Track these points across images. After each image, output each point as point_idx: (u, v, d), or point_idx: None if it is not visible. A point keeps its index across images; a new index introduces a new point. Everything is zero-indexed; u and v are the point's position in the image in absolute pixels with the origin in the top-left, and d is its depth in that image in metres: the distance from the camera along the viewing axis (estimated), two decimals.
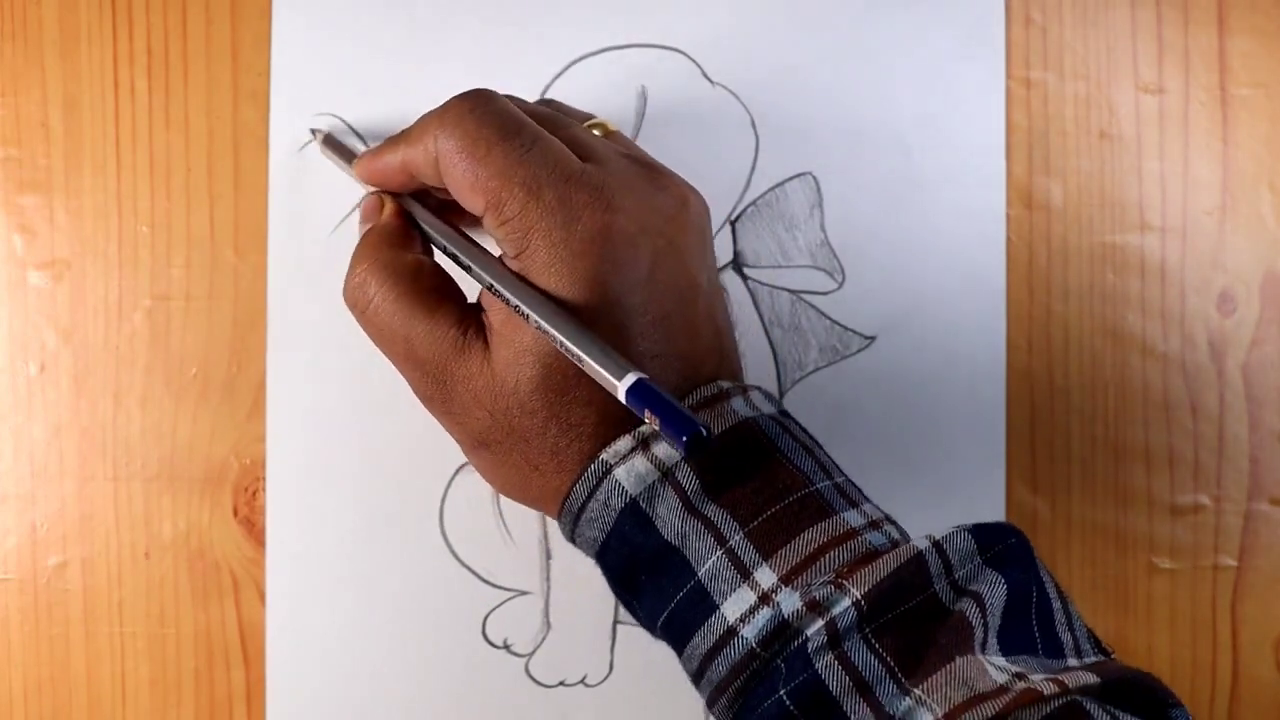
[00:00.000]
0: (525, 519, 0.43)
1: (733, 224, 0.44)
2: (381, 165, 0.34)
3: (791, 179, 0.44)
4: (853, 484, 0.33)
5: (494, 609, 0.43)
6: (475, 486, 0.43)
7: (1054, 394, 0.44)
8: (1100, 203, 0.44)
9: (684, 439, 0.26)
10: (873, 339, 0.44)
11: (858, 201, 0.44)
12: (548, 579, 0.43)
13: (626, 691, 0.43)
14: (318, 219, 0.43)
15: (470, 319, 0.33)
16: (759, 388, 0.34)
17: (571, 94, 0.43)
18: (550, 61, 0.43)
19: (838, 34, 0.44)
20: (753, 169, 0.44)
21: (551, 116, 0.34)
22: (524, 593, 0.43)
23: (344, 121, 0.43)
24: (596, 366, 0.28)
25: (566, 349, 0.29)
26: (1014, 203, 0.44)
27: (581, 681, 0.43)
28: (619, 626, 0.43)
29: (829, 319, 0.44)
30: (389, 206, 0.35)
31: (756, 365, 0.44)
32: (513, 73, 0.43)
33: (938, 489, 0.44)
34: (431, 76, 0.43)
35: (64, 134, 0.43)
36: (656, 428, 0.27)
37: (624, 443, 0.31)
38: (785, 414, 0.34)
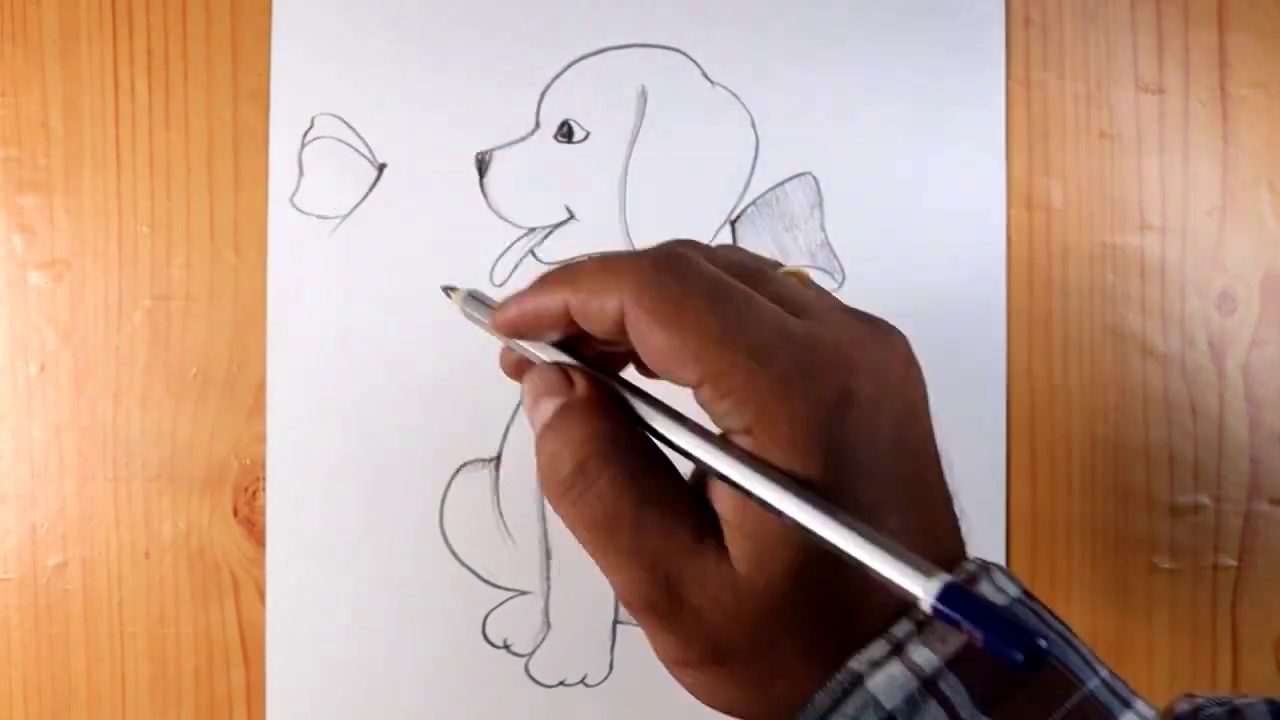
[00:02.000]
0: (525, 519, 0.43)
1: (733, 224, 0.44)
2: (539, 308, 0.29)
3: (791, 179, 0.44)
4: (1116, 676, 0.29)
5: (494, 609, 0.43)
6: (475, 486, 0.43)
7: (1054, 393, 0.44)
8: (1100, 202, 0.44)
9: (1021, 658, 0.21)
10: None
11: (858, 201, 0.44)
12: (548, 579, 0.43)
13: (626, 691, 0.43)
14: (318, 219, 0.43)
15: (701, 508, 0.28)
16: (998, 565, 0.29)
17: (572, 94, 0.43)
18: (550, 61, 0.43)
19: (838, 34, 0.44)
20: (753, 169, 0.44)
21: (751, 268, 0.29)
22: (524, 593, 0.43)
23: (344, 121, 0.43)
24: (888, 570, 0.24)
25: (841, 549, 0.25)
26: (1014, 202, 0.44)
27: (581, 681, 0.43)
28: (619, 626, 0.43)
29: None
30: (581, 379, 0.30)
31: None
32: (513, 72, 0.43)
33: None
34: (431, 76, 0.43)
35: (64, 134, 0.43)
36: (971, 638, 0.23)
37: (878, 648, 0.27)
38: (1030, 594, 0.29)
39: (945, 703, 0.26)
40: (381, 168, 0.43)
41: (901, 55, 0.44)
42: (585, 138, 0.43)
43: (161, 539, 0.43)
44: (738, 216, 0.44)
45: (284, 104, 0.43)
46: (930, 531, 0.28)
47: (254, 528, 0.43)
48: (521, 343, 0.31)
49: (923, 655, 0.26)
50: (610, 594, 0.43)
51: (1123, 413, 0.44)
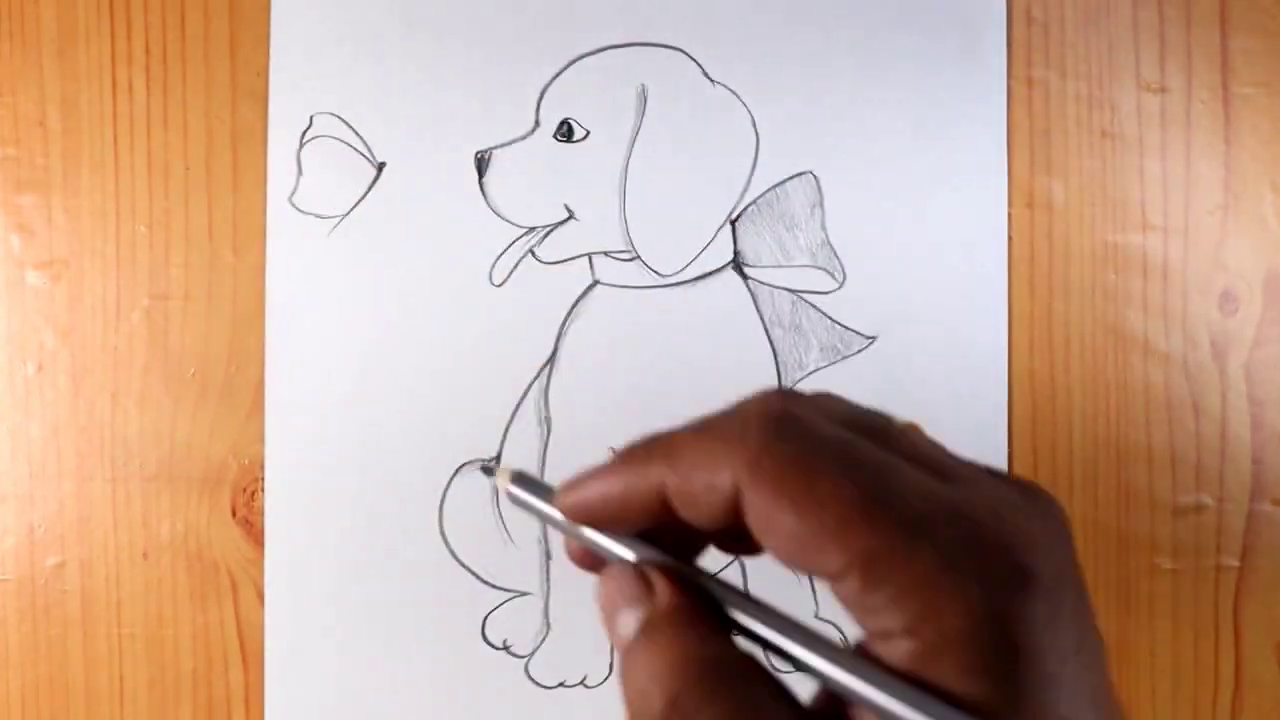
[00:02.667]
0: (525, 519, 0.43)
1: (733, 223, 0.44)
2: (620, 492, 0.25)
3: (792, 178, 0.44)
4: None
5: (494, 609, 0.43)
6: (475, 486, 0.43)
7: (1056, 393, 0.44)
8: (1102, 202, 0.44)
9: None
10: (873, 339, 0.44)
11: (859, 201, 0.44)
12: (547, 580, 0.43)
13: None
14: (317, 219, 0.43)
15: None
16: None
17: (571, 94, 0.43)
18: (550, 60, 0.43)
19: (838, 33, 0.44)
20: (753, 168, 0.44)
21: (876, 427, 0.25)
22: (524, 593, 0.43)
23: (343, 120, 0.43)
24: None
25: None
26: (1016, 202, 0.44)
27: (581, 682, 0.43)
28: None
29: (830, 319, 0.44)
30: (663, 583, 0.24)
31: (757, 365, 0.43)
32: (512, 71, 0.43)
33: None
34: (430, 76, 0.43)
35: (62, 133, 0.43)
36: None
37: None
38: None
39: None
40: (381, 167, 0.43)
41: (903, 54, 0.44)
42: (585, 137, 0.43)
43: (160, 539, 0.43)
44: (738, 216, 0.44)
45: (282, 103, 0.43)
46: None
47: (252, 528, 0.43)
48: (589, 532, 0.26)
49: None
50: None
51: (1124, 413, 0.44)
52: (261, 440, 0.43)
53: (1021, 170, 0.44)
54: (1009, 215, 0.44)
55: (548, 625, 0.43)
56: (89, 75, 0.43)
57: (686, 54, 0.44)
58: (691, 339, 0.43)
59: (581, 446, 0.43)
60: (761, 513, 0.22)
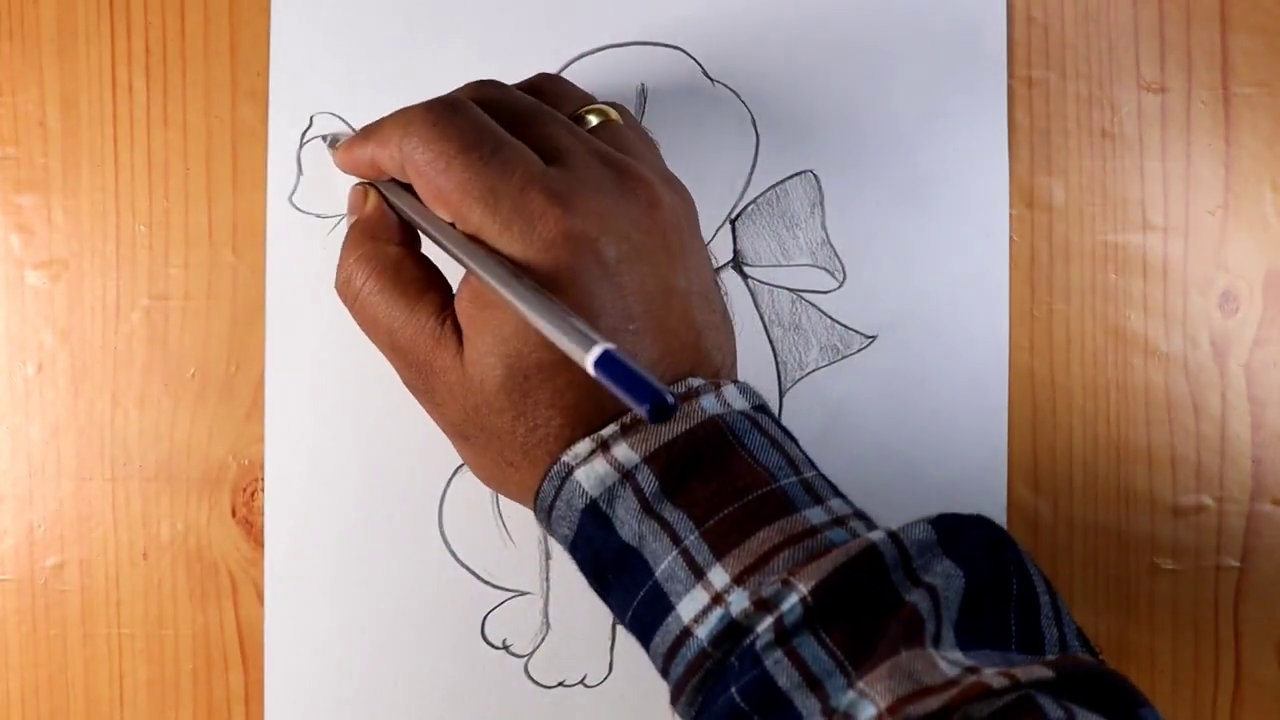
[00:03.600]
0: (525, 519, 0.43)
1: (733, 223, 0.44)
2: (355, 158, 0.35)
3: (792, 177, 0.44)
4: (824, 479, 0.33)
5: (493, 609, 0.43)
6: (475, 486, 0.43)
7: (1056, 394, 0.44)
8: (1102, 202, 0.44)
9: (647, 407, 0.25)
10: (873, 338, 0.44)
11: (859, 200, 0.44)
12: (547, 579, 0.43)
13: (626, 692, 0.43)
14: (317, 219, 0.43)
15: (449, 311, 0.33)
16: (736, 382, 0.34)
17: None
18: (550, 60, 0.43)
19: (839, 31, 0.44)
20: (753, 167, 0.44)
21: (527, 112, 0.34)
22: (524, 593, 0.43)
23: (343, 120, 0.43)
24: (563, 338, 0.27)
25: (534, 321, 0.28)
26: (1016, 202, 0.44)
27: (581, 682, 0.43)
28: (619, 627, 0.43)
29: (829, 318, 0.44)
30: (372, 198, 0.35)
31: (756, 365, 0.43)
32: (513, 72, 0.43)
33: (938, 489, 0.43)
34: (431, 76, 0.43)
35: (62, 133, 0.43)
36: (623, 398, 0.27)
37: (584, 445, 0.31)
38: (761, 409, 0.33)
39: (638, 492, 0.31)
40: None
41: (903, 54, 0.44)
42: None
43: (159, 539, 0.43)
44: (738, 215, 0.44)
45: (283, 103, 0.43)
46: (656, 361, 0.32)
47: (252, 528, 0.43)
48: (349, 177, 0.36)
49: (623, 452, 0.31)
50: None
51: (1124, 413, 0.44)
52: (261, 440, 0.43)
53: (1021, 170, 0.44)
54: (1009, 215, 0.44)
55: (548, 625, 0.43)
56: (89, 75, 0.43)
57: (686, 54, 0.43)
58: None
59: None
60: (411, 175, 0.32)
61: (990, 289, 0.44)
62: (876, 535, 0.30)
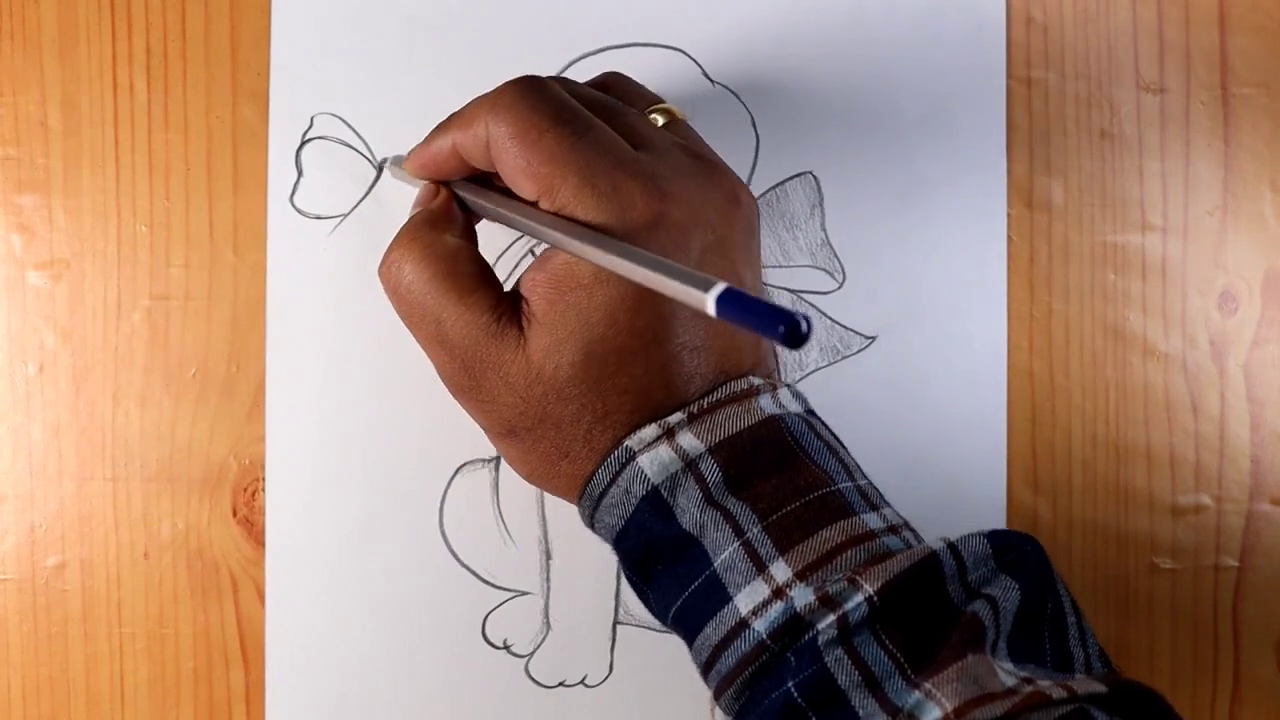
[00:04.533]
0: (525, 519, 0.43)
1: None
2: (433, 152, 0.34)
3: (792, 178, 0.44)
4: (875, 488, 0.33)
5: (494, 609, 0.43)
6: (475, 486, 0.43)
7: (1055, 394, 0.44)
8: (1101, 202, 0.44)
9: (782, 330, 0.24)
10: (873, 339, 0.44)
11: (858, 201, 0.44)
12: (548, 579, 0.43)
13: (626, 692, 0.43)
14: (317, 219, 0.43)
15: (505, 305, 0.32)
16: (790, 386, 0.34)
17: None
18: (550, 60, 0.43)
19: (838, 33, 0.44)
20: (753, 168, 0.44)
21: (608, 104, 0.34)
22: (524, 593, 0.43)
23: (343, 121, 0.43)
24: (679, 284, 0.26)
25: (644, 276, 0.28)
26: (1015, 202, 0.44)
27: (581, 682, 0.43)
28: (619, 627, 0.43)
29: (829, 319, 0.44)
30: (442, 192, 0.35)
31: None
32: (512, 71, 0.43)
33: (938, 489, 0.44)
34: (431, 76, 0.43)
35: (63, 133, 0.43)
36: (752, 330, 0.26)
37: (650, 430, 0.31)
38: (812, 413, 0.34)
39: (701, 481, 0.31)
40: (381, 166, 0.43)
41: (902, 54, 0.44)
42: None
43: (160, 539, 0.43)
44: None
45: (283, 103, 0.43)
46: (724, 353, 0.32)
47: (253, 528, 0.43)
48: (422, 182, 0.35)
49: (688, 441, 0.31)
50: (610, 594, 0.43)
51: (1123, 413, 0.44)
52: (262, 440, 0.43)
53: (1021, 170, 0.44)
54: (1008, 215, 0.44)
55: (548, 625, 0.43)
56: (89, 75, 0.43)
57: (686, 54, 0.44)
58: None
59: None
60: (496, 154, 0.31)
61: (989, 289, 0.44)
62: (937, 545, 0.30)
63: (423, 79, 0.43)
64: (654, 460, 0.31)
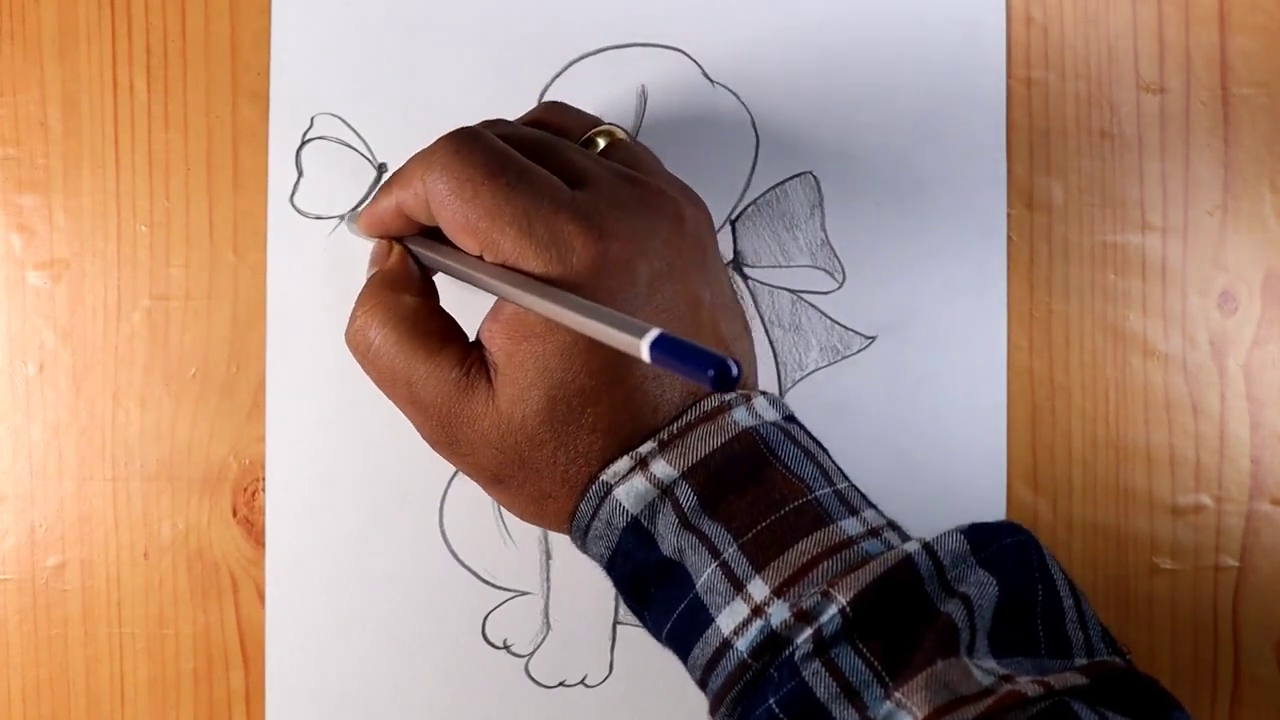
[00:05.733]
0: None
1: (733, 223, 0.44)
2: (379, 212, 0.34)
3: (792, 178, 0.44)
4: (856, 490, 0.33)
5: (494, 609, 0.43)
6: (475, 487, 0.43)
7: (1055, 394, 0.44)
8: (1101, 202, 0.44)
9: (711, 374, 0.25)
10: (873, 339, 0.44)
11: (858, 201, 0.44)
12: (548, 579, 0.43)
13: (626, 692, 0.43)
14: (317, 219, 0.43)
15: (472, 358, 0.32)
16: (765, 393, 0.34)
17: (571, 94, 0.43)
18: (550, 61, 0.43)
19: (838, 33, 0.44)
20: (753, 168, 0.44)
21: (542, 142, 0.34)
22: (524, 593, 0.43)
23: (344, 120, 0.43)
24: (616, 333, 0.27)
25: (584, 325, 0.28)
26: (1015, 202, 0.44)
27: (581, 682, 0.43)
28: (619, 627, 0.43)
29: (829, 319, 0.44)
30: (395, 250, 0.35)
31: (756, 365, 0.44)
32: (512, 71, 0.43)
33: (938, 489, 0.44)
34: (431, 76, 0.43)
35: (63, 133, 0.43)
36: (685, 375, 0.26)
37: (623, 463, 0.31)
38: (790, 419, 0.34)
39: (677, 507, 0.31)
40: (381, 167, 0.43)
41: (902, 55, 0.44)
42: None
43: (160, 539, 0.43)
44: (738, 216, 0.44)
45: (283, 103, 0.43)
46: None
47: (253, 528, 0.43)
48: (406, 243, 0.35)
49: (661, 468, 0.31)
50: (610, 594, 0.43)
51: (1123, 413, 0.44)
52: (262, 440, 0.43)
53: (1021, 170, 0.44)
54: (1008, 215, 0.44)
55: (548, 625, 0.43)
56: (89, 75, 0.43)
57: (686, 54, 0.44)
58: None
59: None
60: (436, 210, 0.32)
61: (989, 289, 0.44)
62: (911, 547, 0.30)
63: (423, 79, 0.43)
64: (630, 492, 0.31)
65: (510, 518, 0.43)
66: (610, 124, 0.37)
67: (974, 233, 0.44)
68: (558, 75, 0.43)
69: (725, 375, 0.25)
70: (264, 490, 0.43)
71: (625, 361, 0.31)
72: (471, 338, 0.34)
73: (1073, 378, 0.44)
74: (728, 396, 0.32)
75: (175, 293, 0.43)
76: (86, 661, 0.43)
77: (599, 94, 0.43)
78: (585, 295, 0.30)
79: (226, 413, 0.43)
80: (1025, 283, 0.44)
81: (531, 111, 0.38)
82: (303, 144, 0.43)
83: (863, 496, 0.33)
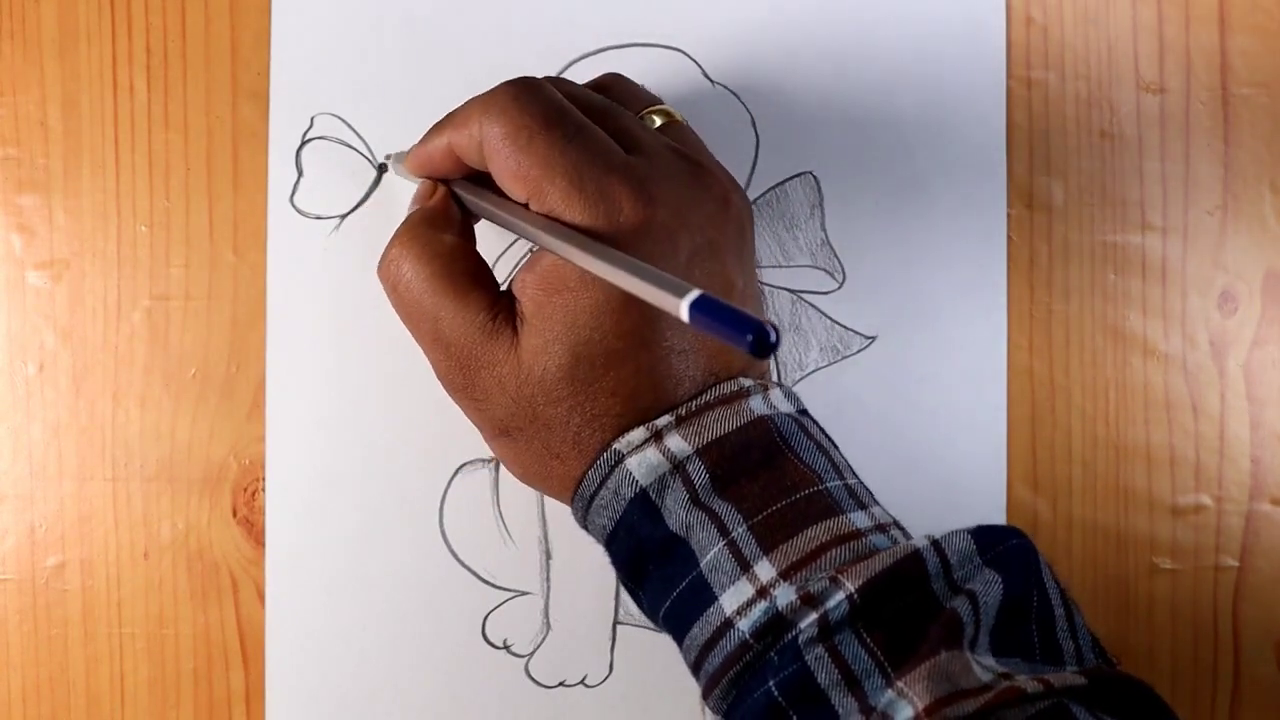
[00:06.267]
0: (525, 519, 0.43)
1: None
2: (429, 151, 0.34)
3: (792, 178, 0.44)
4: (865, 487, 0.34)
5: (494, 609, 0.43)
6: (475, 486, 0.43)
7: (1055, 394, 0.44)
8: (1101, 202, 0.44)
9: (749, 338, 0.24)
10: (873, 339, 0.44)
11: (858, 201, 0.44)
12: (548, 579, 0.43)
13: (626, 692, 0.43)
14: (317, 219, 0.43)
15: (501, 305, 0.32)
16: (781, 385, 0.34)
17: None
18: (550, 61, 0.43)
19: (838, 33, 0.44)
20: (753, 168, 0.44)
21: (601, 106, 0.34)
22: (524, 593, 0.43)
23: (344, 120, 0.43)
24: (655, 289, 0.27)
25: (623, 280, 0.28)
26: (1015, 202, 0.44)
27: (581, 682, 0.43)
28: (619, 627, 0.43)
29: (829, 319, 0.44)
30: (439, 190, 0.35)
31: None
32: (512, 72, 0.43)
33: (938, 489, 0.44)
34: (431, 76, 0.43)
35: (63, 133, 0.43)
36: (723, 338, 0.26)
37: (638, 433, 0.31)
38: (804, 413, 0.34)
39: (688, 483, 0.31)
40: (381, 167, 0.43)
41: (902, 55, 0.44)
42: None
43: (160, 539, 0.43)
44: None
45: (283, 103, 0.43)
46: (714, 354, 0.32)
47: (253, 528, 0.43)
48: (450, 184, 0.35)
49: (676, 443, 0.31)
50: (610, 594, 0.43)
51: (1123, 413, 0.44)
52: (262, 440, 0.43)
53: (1021, 170, 0.44)
54: (1008, 215, 0.44)
55: (548, 625, 0.43)
56: (89, 75, 0.43)
57: (686, 54, 0.44)
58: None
59: None
60: (490, 155, 0.32)
61: (989, 289, 0.44)
62: (920, 542, 0.30)
63: (423, 79, 0.43)
64: (642, 463, 0.31)
65: (511, 518, 0.43)
66: (668, 106, 0.37)
67: (974, 233, 0.44)
68: (558, 75, 0.43)
69: (764, 340, 0.24)
70: (264, 490, 0.43)
71: (654, 329, 0.31)
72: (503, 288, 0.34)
73: (1073, 378, 0.44)
74: (746, 383, 0.32)
75: (175, 293, 0.43)
76: (86, 661, 0.43)
77: None
78: (624, 244, 0.30)
79: (226, 413, 0.43)
80: (1025, 283, 0.44)
81: (595, 79, 0.38)
82: (303, 144, 0.43)
83: (870, 494, 0.33)
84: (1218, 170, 0.44)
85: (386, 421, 0.43)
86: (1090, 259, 0.44)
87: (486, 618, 0.43)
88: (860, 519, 0.31)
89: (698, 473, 0.31)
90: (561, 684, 0.43)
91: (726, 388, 0.32)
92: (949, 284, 0.44)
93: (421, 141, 0.35)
